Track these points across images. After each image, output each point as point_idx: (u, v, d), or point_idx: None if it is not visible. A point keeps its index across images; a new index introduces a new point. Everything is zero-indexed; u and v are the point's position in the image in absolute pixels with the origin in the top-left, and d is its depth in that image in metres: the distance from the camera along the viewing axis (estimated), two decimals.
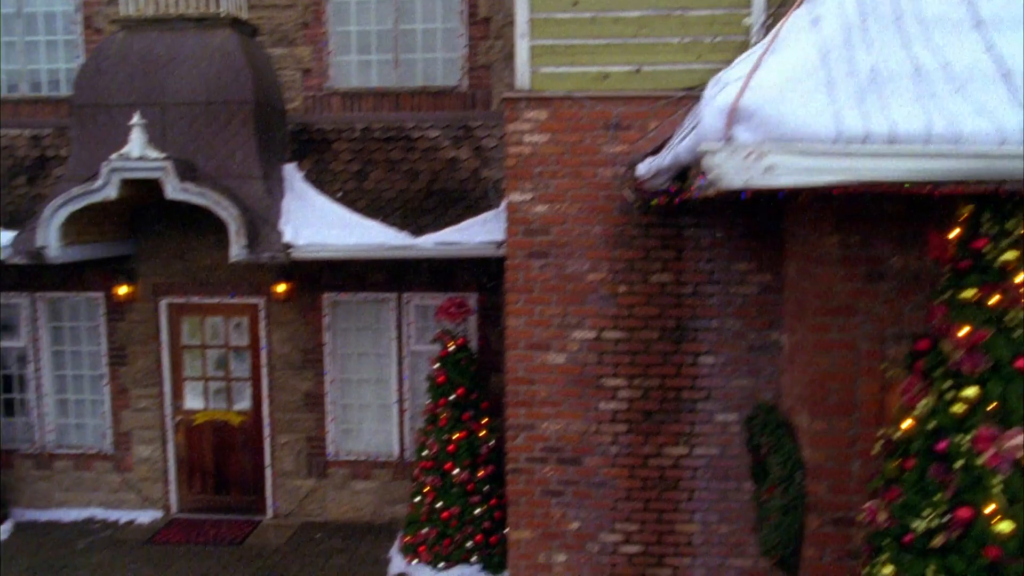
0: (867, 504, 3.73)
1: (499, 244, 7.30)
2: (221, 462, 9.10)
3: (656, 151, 5.82)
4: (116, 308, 8.95)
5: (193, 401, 9.11)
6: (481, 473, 7.63)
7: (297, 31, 8.72)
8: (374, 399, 8.89)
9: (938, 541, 3.38)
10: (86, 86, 8.09)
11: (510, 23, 8.26)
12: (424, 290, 8.56)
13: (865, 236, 4.27)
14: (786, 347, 4.91)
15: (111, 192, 7.50)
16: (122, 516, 9.09)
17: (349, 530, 8.74)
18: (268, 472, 9.01)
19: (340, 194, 8.17)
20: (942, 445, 3.41)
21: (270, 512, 9.05)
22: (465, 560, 7.58)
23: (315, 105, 8.76)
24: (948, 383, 3.43)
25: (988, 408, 3.32)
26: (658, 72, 6.22)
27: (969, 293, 3.38)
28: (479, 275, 8.36)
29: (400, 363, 8.73)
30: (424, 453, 7.72)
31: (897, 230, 4.25)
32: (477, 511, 7.60)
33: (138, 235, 8.78)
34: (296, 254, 7.57)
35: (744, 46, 5.98)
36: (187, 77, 7.91)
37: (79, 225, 7.83)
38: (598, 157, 6.28)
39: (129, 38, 8.15)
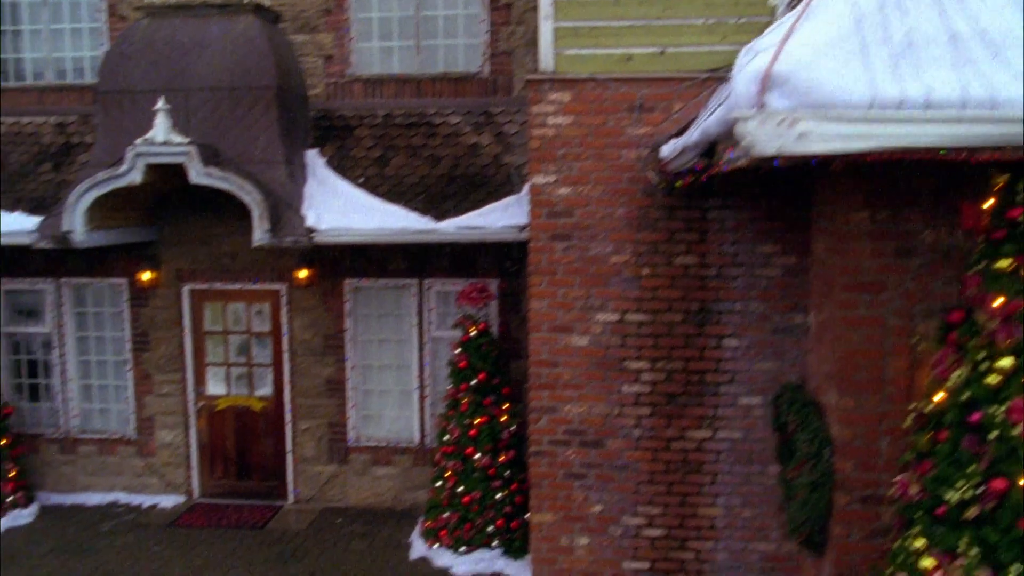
0: (898, 477, 3.71)
1: (521, 228, 7.30)
2: (243, 447, 9.16)
3: (680, 133, 5.79)
4: (139, 294, 9.02)
5: (215, 387, 9.16)
6: (502, 458, 7.64)
7: (319, 18, 8.74)
8: (395, 385, 8.91)
9: (972, 513, 3.35)
10: (110, 73, 8.15)
11: (532, 8, 8.28)
12: (445, 276, 8.57)
13: (895, 211, 4.24)
14: (813, 326, 4.88)
15: (136, 177, 7.55)
16: (145, 500, 9.16)
17: (370, 516, 8.77)
18: (289, 458, 9.06)
19: (362, 180, 8.19)
20: (976, 417, 3.38)
21: (291, 497, 9.10)
22: (486, 545, 7.59)
23: (337, 91, 8.78)
24: (982, 354, 3.39)
25: (1023, 379, 3.28)
26: (682, 54, 6.19)
27: (1004, 263, 3.35)
28: (500, 261, 8.36)
29: (421, 349, 8.75)
30: (445, 438, 7.74)
31: (927, 205, 4.21)
32: (498, 496, 7.61)
33: (161, 221, 8.84)
34: (319, 238, 7.60)
35: (769, 27, 5.94)
36: (210, 63, 7.96)
37: (104, 210, 7.89)
38: (622, 139, 6.26)
39: (153, 25, 8.21)
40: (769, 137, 3.17)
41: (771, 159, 3.27)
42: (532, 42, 8.30)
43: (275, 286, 8.86)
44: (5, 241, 8.03)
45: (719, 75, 5.96)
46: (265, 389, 9.09)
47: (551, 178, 6.33)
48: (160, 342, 9.07)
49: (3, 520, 8.45)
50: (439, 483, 7.78)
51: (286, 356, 8.92)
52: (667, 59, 6.19)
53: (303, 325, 8.83)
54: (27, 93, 9.25)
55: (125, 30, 8.37)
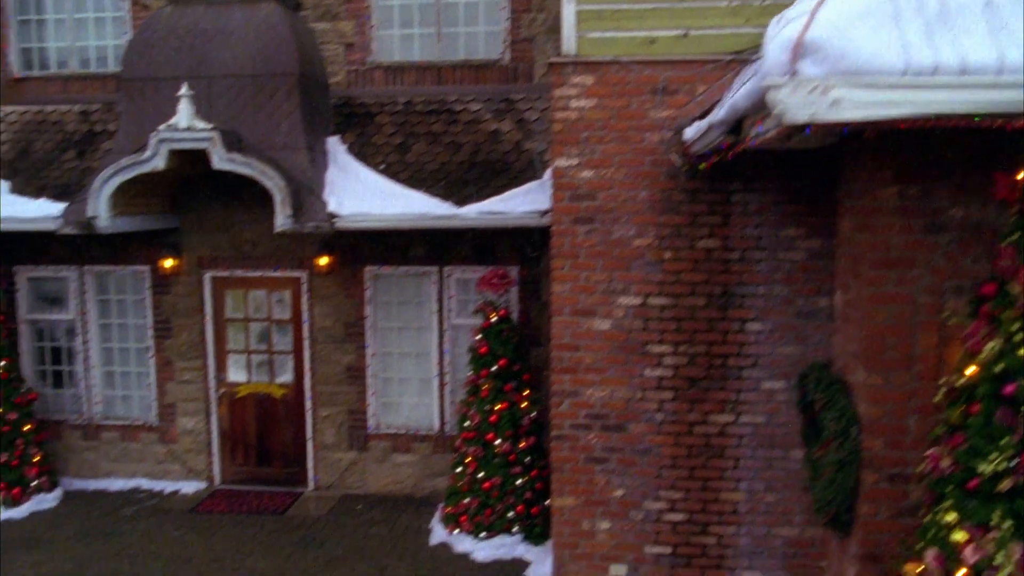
0: (929, 451, 3.68)
1: (543, 213, 7.30)
2: (263, 434, 9.21)
3: (704, 115, 5.77)
4: (161, 281, 9.08)
5: (236, 374, 9.22)
6: (523, 444, 7.64)
7: (340, 5, 8.77)
8: (415, 373, 8.93)
9: (1005, 485, 3.32)
10: (134, 60, 8.20)
11: None
12: (465, 264, 8.58)
13: (924, 187, 4.21)
14: (839, 306, 4.85)
15: (159, 162, 7.60)
16: (167, 486, 9.23)
17: (390, 503, 8.79)
18: (309, 445, 9.10)
19: (383, 166, 8.21)
20: (1010, 388, 3.35)
21: (311, 484, 9.14)
22: (506, 530, 7.60)
23: (358, 79, 8.81)
24: (1016, 326, 3.36)
25: None
26: (706, 36, 6.16)
27: None
28: (520, 248, 8.36)
29: (441, 337, 8.76)
30: (466, 424, 7.75)
31: (957, 181, 4.18)
32: (519, 482, 7.61)
33: (183, 209, 8.89)
34: (340, 224, 7.62)
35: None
36: (233, 50, 8.00)
37: (127, 197, 7.95)
38: (645, 122, 6.24)
39: (176, 13, 8.26)
40: (801, 105, 3.15)
41: (802, 127, 3.25)
42: (553, 29, 8.29)
43: (296, 273, 8.89)
44: (30, 227, 8.11)
45: (743, 57, 5.93)
46: (286, 376, 9.13)
47: (574, 161, 6.32)
48: (182, 329, 9.13)
49: (28, 504, 8.54)
50: (459, 469, 7.80)
51: (306, 343, 8.96)
52: (690, 42, 6.16)
53: (323, 312, 8.86)
54: (51, 82, 9.34)
55: (148, 18, 8.43)
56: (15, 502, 8.45)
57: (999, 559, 3.28)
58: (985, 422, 3.43)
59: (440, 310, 8.72)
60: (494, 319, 7.69)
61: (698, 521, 6.48)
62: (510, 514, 7.59)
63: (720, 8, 6.11)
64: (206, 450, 9.25)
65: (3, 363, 8.57)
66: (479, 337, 7.74)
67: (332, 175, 8.04)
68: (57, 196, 8.35)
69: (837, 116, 3.13)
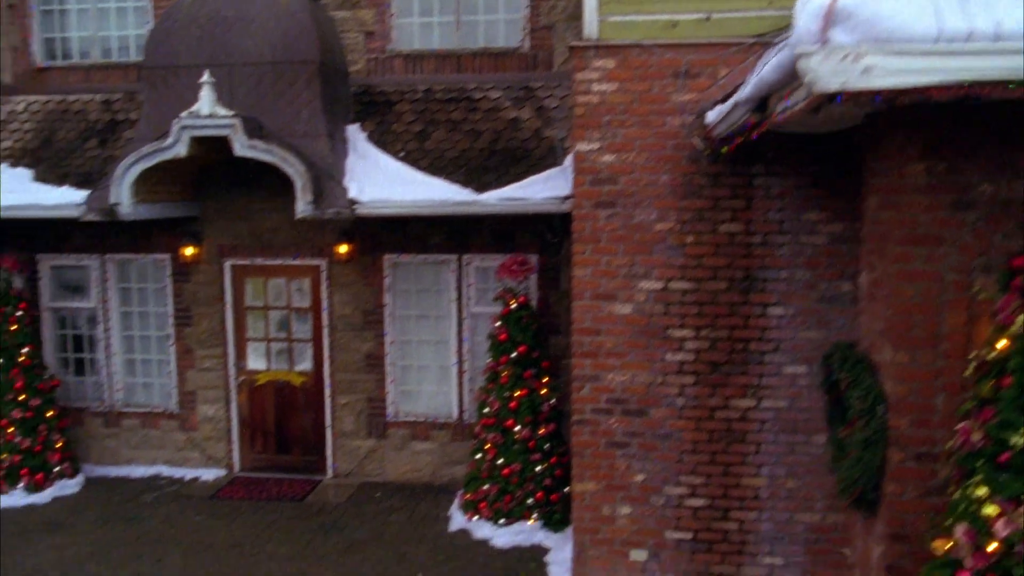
0: (960, 425, 3.66)
1: (563, 199, 7.29)
2: (282, 422, 9.25)
3: (726, 98, 5.75)
4: (182, 270, 9.14)
5: (256, 362, 9.26)
6: (542, 431, 7.65)
7: None
8: (433, 361, 8.94)
9: None
10: (156, 48, 8.26)
11: None
12: (484, 252, 8.59)
13: (953, 163, 4.17)
14: (864, 285, 4.81)
15: (181, 149, 7.65)
16: (187, 473, 9.29)
17: (408, 490, 8.81)
18: (328, 432, 9.13)
19: (403, 154, 8.23)
20: None
21: (330, 472, 9.17)
22: (525, 517, 7.61)
23: (378, 67, 8.83)
24: None
25: None
26: (728, 19, 6.14)
27: None
28: (539, 236, 8.36)
29: (460, 325, 8.78)
30: (485, 410, 7.76)
31: (986, 157, 4.14)
32: (538, 468, 7.62)
33: (204, 197, 8.95)
34: (361, 210, 7.64)
35: None
36: (254, 38, 8.04)
37: (149, 184, 8.01)
38: (667, 105, 6.22)
39: (197, 1, 8.30)
40: (833, 73, 3.14)
41: (833, 97, 3.23)
42: (573, 16, 8.28)
43: (315, 262, 8.93)
44: (54, 214, 8.18)
45: (765, 40, 5.90)
46: (305, 364, 9.17)
47: (595, 145, 6.31)
48: (202, 317, 9.18)
49: (51, 489, 8.62)
50: (479, 455, 7.80)
51: (326, 331, 8.99)
52: (712, 25, 6.14)
53: (343, 300, 8.89)
54: (74, 71, 9.41)
55: (170, 7, 8.48)
56: (38, 487, 8.53)
57: None
58: (1017, 395, 3.40)
59: (459, 298, 8.74)
60: (514, 306, 7.70)
61: (719, 507, 6.46)
62: (529, 501, 7.60)
63: None
64: (226, 437, 9.31)
65: (26, 350, 8.65)
66: (499, 324, 7.74)
67: (352, 162, 8.07)
68: (80, 184, 8.42)
69: (868, 84, 3.12)
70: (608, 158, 6.32)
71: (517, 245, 8.44)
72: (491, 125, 8.35)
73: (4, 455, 8.44)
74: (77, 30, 9.43)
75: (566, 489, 7.59)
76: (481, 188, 7.70)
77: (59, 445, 8.80)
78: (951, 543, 3.64)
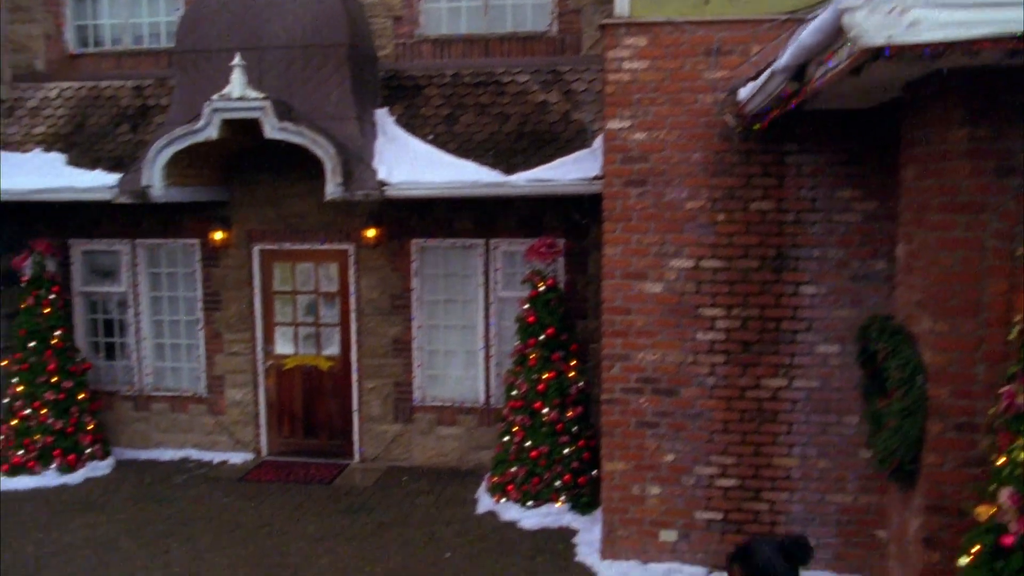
0: (1003, 389, 3.62)
1: (592, 180, 7.28)
2: (310, 406, 9.30)
3: (759, 75, 5.73)
4: (211, 254, 9.21)
5: (283, 346, 9.32)
6: (570, 414, 7.64)
7: None
8: (460, 345, 8.96)
9: None
10: (187, 33, 8.33)
11: None
12: (511, 236, 8.59)
13: (995, 129, 4.13)
14: (901, 257, 4.77)
15: (212, 132, 7.71)
16: (215, 457, 9.36)
17: (435, 475, 8.83)
18: (355, 417, 9.17)
19: (431, 137, 8.25)
20: None
21: (356, 456, 9.21)
22: (553, 499, 7.59)
23: (406, 52, 8.85)
24: None
25: None
26: None
27: None
28: (567, 220, 8.35)
29: (487, 309, 8.79)
30: (513, 393, 7.76)
31: None
32: (566, 451, 7.61)
33: (233, 182, 9.01)
34: (390, 192, 7.67)
35: None
36: (284, 22, 8.09)
37: (180, 168, 8.08)
38: (698, 83, 6.21)
39: None
40: (879, 27, 3.12)
41: (878, 53, 3.20)
42: (601, 0, 8.26)
43: (343, 246, 8.97)
44: (86, 196, 8.27)
45: (798, 16, 5.86)
46: (332, 348, 9.21)
47: (626, 123, 6.30)
48: (231, 302, 9.25)
49: (82, 470, 8.71)
50: (506, 438, 7.81)
51: (353, 316, 9.03)
52: (745, 1, 6.11)
53: (370, 285, 8.93)
54: (105, 58, 9.51)
55: None
56: (71, 468, 8.62)
57: None
58: None
59: (486, 282, 8.74)
60: (542, 288, 7.69)
61: (750, 487, 6.43)
62: (557, 483, 7.58)
63: None
64: (253, 422, 9.37)
65: (59, 333, 8.75)
66: (527, 306, 7.74)
67: (381, 145, 8.10)
68: (112, 168, 8.50)
69: (915, 38, 3.09)
70: (639, 136, 6.30)
71: (544, 229, 8.43)
72: (519, 109, 8.36)
73: (37, 436, 8.54)
74: (109, 17, 9.52)
75: (594, 472, 7.58)
76: (510, 170, 7.70)
77: (90, 427, 8.89)
78: (994, 509, 3.60)
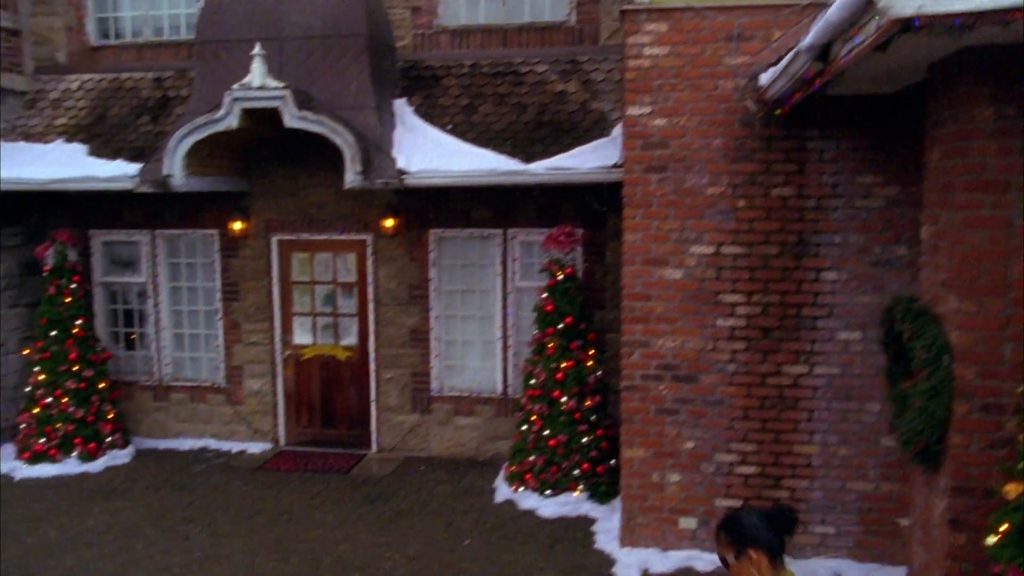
0: None
1: (611, 168, 7.28)
2: (328, 396, 9.33)
3: (780, 60, 5.71)
4: (230, 245, 9.26)
5: (302, 336, 9.35)
6: (588, 403, 7.63)
7: None
8: (478, 335, 8.97)
9: None
10: (208, 23, 8.38)
11: None
12: (529, 226, 8.60)
13: (1022, 108, 4.10)
14: (926, 239, 4.74)
15: (232, 121, 7.76)
16: (234, 446, 9.40)
17: (452, 465, 8.84)
18: (373, 407, 9.19)
19: (450, 127, 8.26)
20: None
21: (374, 446, 9.23)
22: (572, 488, 7.59)
23: (424, 43, 8.88)
24: None
25: None
26: None
27: None
28: (585, 209, 8.34)
29: (504, 300, 8.79)
30: (532, 382, 7.76)
31: None
32: (584, 440, 7.60)
33: (252, 173, 9.06)
34: (409, 180, 7.69)
35: None
36: (303, 12, 8.13)
37: (200, 158, 8.13)
38: (719, 69, 6.19)
39: None
40: None
41: (908, 23, 3.19)
42: None
43: (361, 237, 9.00)
44: (108, 186, 8.34)
45: (819, 1, 5.84)
46: (350, 339, 9.24)
47: (646, 109, 6.30)
48: (249, 292, 9.30)
49: (103, 459, 8.77)
50: (525, 427, 7.81)
51: (371, 306, 9.06)
52: None
53: (388, 275, 8.95)
54: (126, 50, 9.58)
55: None
56: (91, 456, 8.69)
57: None
58: None
59: (504, 273, 8.75)
60: (560, 277, 7.69)
61: (770, 474, 6.40)
62: (575, 472, 7.58)
63: None
64: (271, 412, 9.41)
65: (80, 322, 8.82)
66: (545, 295, 7.74)
67: (400, 134, 8.13)
68: (133, 158, 8.56)
69: (947, 8, 3.08)
70: (659, 122, 6.30)
71: (562, 219, 8.43)
72: (538, 98, 8.36)
73: (59, 424, 8.61)
74: (130, 9, 9.60)
75: (612, 461, 7.57)
76: (528, 159, 7.71)
77: (111, 416, 8.96)
78: (1023, 487, 3.58)
